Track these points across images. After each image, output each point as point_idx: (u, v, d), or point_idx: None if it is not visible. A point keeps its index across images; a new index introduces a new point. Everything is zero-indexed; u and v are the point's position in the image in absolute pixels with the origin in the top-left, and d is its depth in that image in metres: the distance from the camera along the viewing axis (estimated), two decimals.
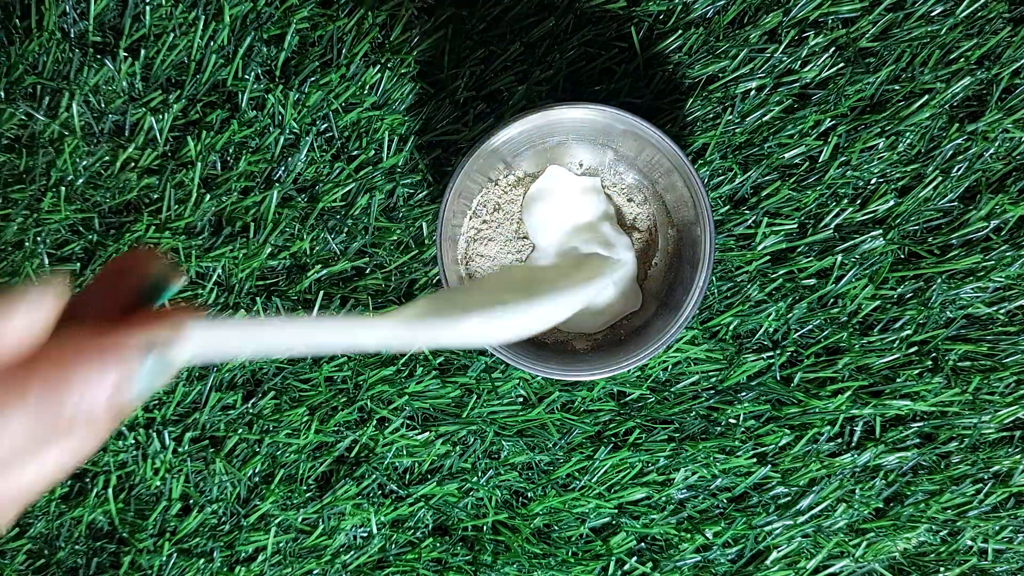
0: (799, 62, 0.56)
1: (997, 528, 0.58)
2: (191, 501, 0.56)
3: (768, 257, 0.56)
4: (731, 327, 0.56)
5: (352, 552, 0.56)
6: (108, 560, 0.56)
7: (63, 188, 0.54)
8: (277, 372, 0.56)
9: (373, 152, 0.56)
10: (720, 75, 0.56)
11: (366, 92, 0.56)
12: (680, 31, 0.56)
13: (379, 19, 0.55)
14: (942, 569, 0.58)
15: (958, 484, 0.58)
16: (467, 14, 0.56)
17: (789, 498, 0.57)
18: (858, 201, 0.57)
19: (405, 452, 0.56)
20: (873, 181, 0.57)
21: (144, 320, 0.26)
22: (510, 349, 0.50)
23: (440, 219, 0.49)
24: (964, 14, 0.56)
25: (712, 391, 0.57)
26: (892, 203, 0.57)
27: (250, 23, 0.55)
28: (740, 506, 0.57)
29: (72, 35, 0.55)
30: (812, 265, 0.56)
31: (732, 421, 0.57)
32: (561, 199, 0.54)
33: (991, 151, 0.57)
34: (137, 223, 0.55)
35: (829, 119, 0.56)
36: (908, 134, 0.57)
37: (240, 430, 0.56)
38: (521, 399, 0.56)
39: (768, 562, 0.57)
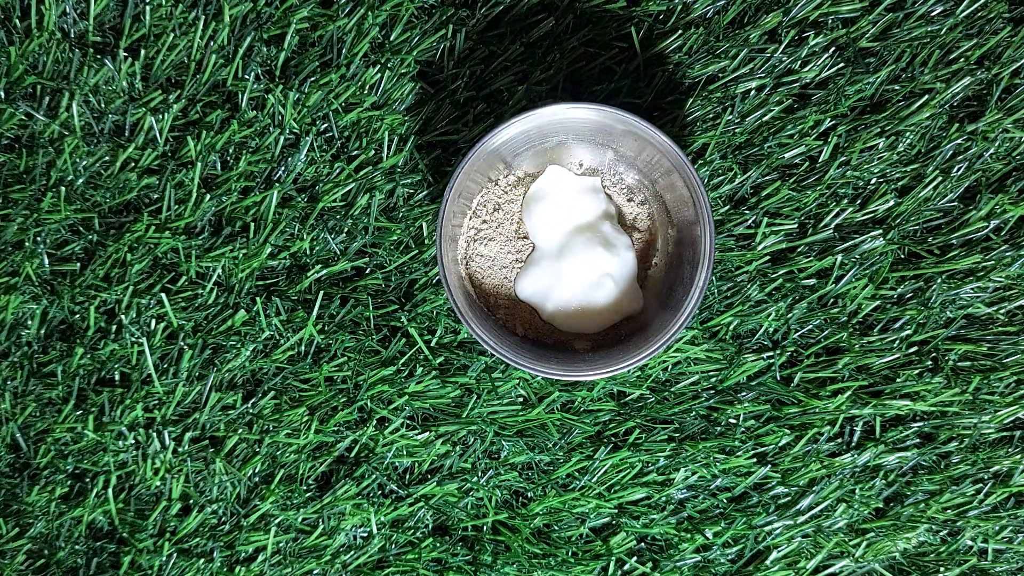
0: (799, 62, 0.56)
1: (997, 528, 0.58)
2: (191, 501, 0.56)
3: (768, 257, 0.56)
4: (731, 327, 0.56)
5: (352, 552, 0.56)
6: (108, 560, 0.56)
7: (63, 188, 0.54)
8: (277, 372, 0.56)
9: (373, 152, 0.56)
10: (720, 75, 0.56)
11: (366, 92, 0.56)
12: (680, 31, 0.56)
13: (379, 19, 0.55)
14: (942, 569, 0.58)
15: (958, 484, 0.58)
16: (467, 14, 0.56)
17: (789, 498, 0.57)
18: (858, 201, 0.57)
19: (405, 452, 0.56)
20: (873, 181, 0.57)
21: None
22: (510, 349, 0.51)
23: (440, 219, 0.49)
24: (964, 14, 0.56)
25: (712, 391, 0.57)
26: (892, 203, 0.57)
27: (250, 23, 0.55)
28: (740, 506, 0.57)
29: (72, 35, 0.55)
30: (812, 265, 0.56)
31: (732, 421, 0.57)
32: (561, 199, 0.54)
33: (991, 151, 0.57)
34: (137, 223, 0.55)
35: (829, 119, 0.56)
36: (908, 134, 0.57)
37: (240, 430, 0.56)
38: (521, 399, 0.56)
39: (768, 562, 0.57)
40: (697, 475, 0.57)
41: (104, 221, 0.56)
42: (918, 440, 0.57)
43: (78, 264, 0.55)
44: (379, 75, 0.56)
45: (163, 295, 0.55)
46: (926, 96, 0.56)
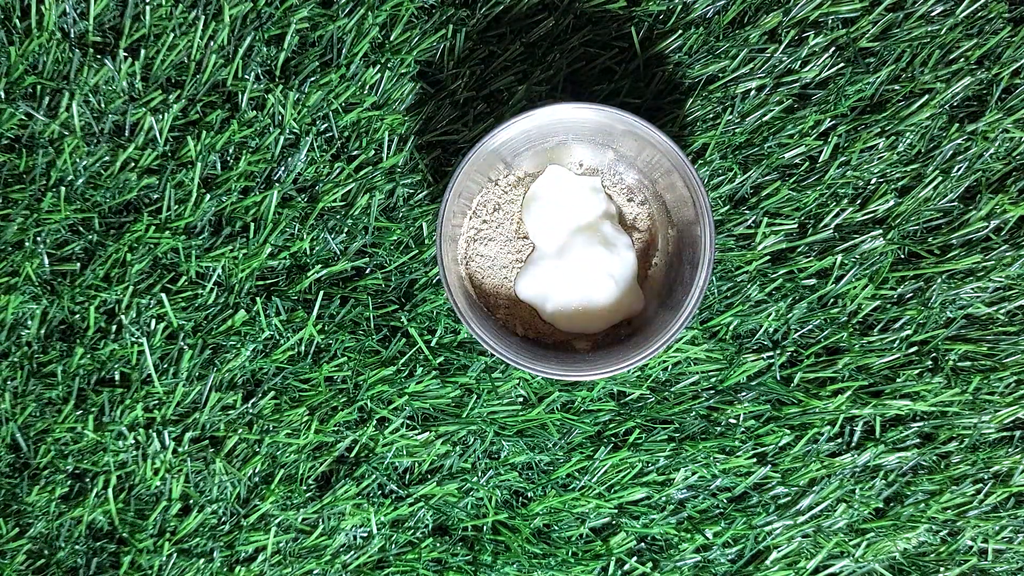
0: (799, 62, 0.56)
1: (997, 528, 0.58)
2: (191, 501, 0.56)
3: (768, 257, 0.56)
4: (731, 327, 0.56)
5: (352, 552, 0.56)
6: (108, 560, 0.56)
7: (63, 188, 0.54)
8: (277, 372, 0.56)
9: (373, 152, 0.56)
10: (720, 75, 0.57)
11: (366, 92, 0.56)
12: (680, 31, 0.56)
13: (379, 19, 0.55)
14: (942, 569, 0.58)
15: (958, 484, 0.58)
16: (467, 14, 0.56)
17: (789, 498, 0.57)
18: (858, 201, 0.57)
19: (405, 452, 0.56)
20: (873, 181, 0.57)
21: None
22: (510, 349, 0.51)
23: (440, 219, 0.49)
24: (964, 14, 0.56)
25: (712, 391, 0.57)
26: (892, 203, 0.57)
27: (250, 23, 0.55)
28: (740, 506, 0.57)
29: (72, 35, 0.55)
30: (812, 265, 0.56)
31: (732, 421, 0.57)
32: (561, 199, 0.54)
33: (991, 151, 0.57)
34: (137, 223, 0.55)
35: (829, 119, 0.56)
36: (908, 134, 0.57)
37: (240, 430, 0.56)
38: (521, 399, 0.56)
39: (768, 562, 0.57)
40: (697, 475, 0.57)
41: (104, 221, 0.56)
42: (918, 440, 0.57)
43: (78, 264, 0.55)
44: (379, 75, 0.56)
45: (163, 295, 0.55)
46: (926, 96, 0.56)
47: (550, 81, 0.56)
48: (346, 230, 0.56)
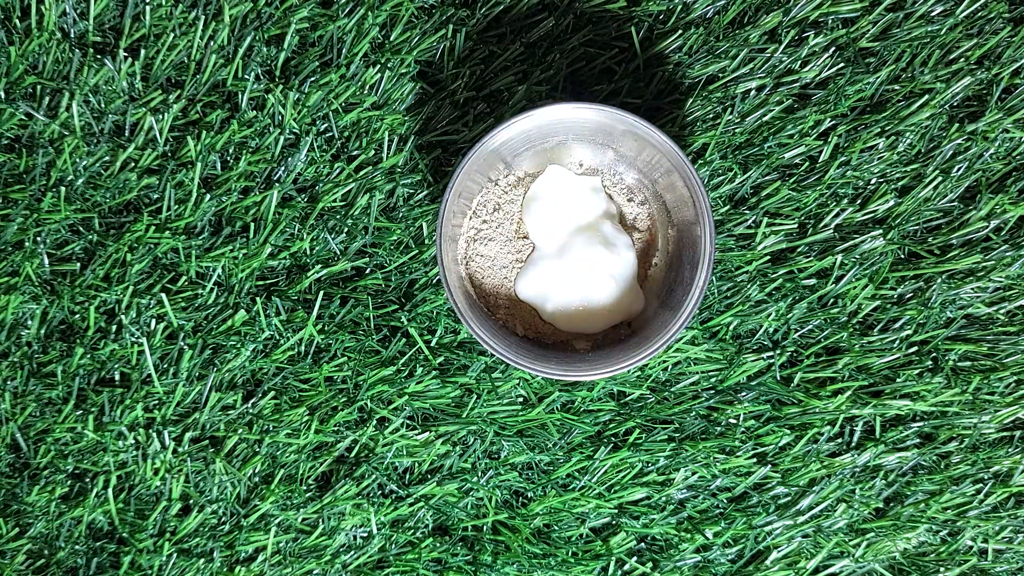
0: (799, 62, 0.56)
1: (997, 528, 0.58)
2: (191, 501, 0.56)
3: (768, 257, 0.56)
4: (731, 327, 0.56)
5: (352, 552, 0.56)
6: (108, 560, 0.56)
7: (63, 188, 0.54)
8: (277, 372, 0.56)
9: (373, 152, 0.56)
10: (720, 75, 0.57)
11: (366, 92, 0.56)
12: (680, 31, 0.56)
13: (379, 19, 0.55)
14: (942, 569, 0.58)
15: (958, 484, 0.58)
16: (467, 14, 0.56)
17: (789, 498, 0.57)
18: (858, 201, 0.57)
19: (405, 452, 0.56)
20: (873, 181, 0.57)
21: None
22: (510, 349, 0.50)
23: (440, 219, 0.49)
24: (964, 14, 0.56)
25: (712, 391, 0.57)
26: (892, 203, 0.57)
27: (250, 23, 0.55)
28: (740, 506, 0.57)
29: (72, 35, 0.55)
30: (812, 265, 0.56)
31: (732, 421, 0.57)
32: (561, 199, 0.54)
33: (991, 151, 0.57)
34: (137, 223, 0.55)
35: (829, 119, 0.56)
36: (908, 134, 0.57)
37: (240, 430, 0.56)
38: (521, 399, 0.56)
39: (768, 562, 0.57)
40: (697, 475, 0.57)
41: (104, 221, 0.56)
42: (918, 440, 0.57)
43: (78, 264, 0.55)
44: (379, 75, 0.56)
45: (163, 295, 0.55)
46: (926, 96, 0.56)
47: (550, 81, 0.56)
48: (346, 230, 0.56)
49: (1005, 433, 0.58)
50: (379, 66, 0.55)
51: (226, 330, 0.55)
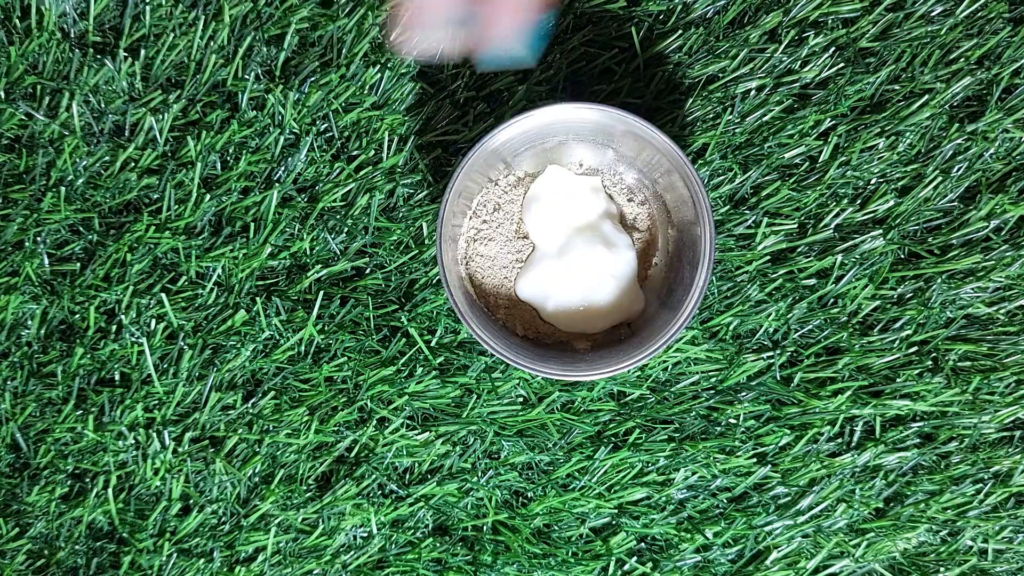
0: (799, 62, 0.56)
1: (997, 528, 0.58)
2: (191, 501, 0.56)
3: (768, 257, 0.56)
4: (731, 327, 0.56)
5: (352, 552, 0.56)
6: (108, 560, 0.56)
7: (63, 188, 0.54)
8: (277, 372, 0.56)
9: (373, 152, 0.56)
10: (720, 75, 0.57)
11: (366, 92, 0.56)
12: (680, 31, 0.56)
13: (379, 19, 0.55)
14: (942, 569, 0.58)
15: (958, 484, 0.58)
16: None
17: (789, 498, 0.57)
18: (858, 201, 0.57)
19: (405, 452, 0.56)
20: (873, 181, 0.57)
21: None
22: (510, 349, 0.51)
23: (440, 219, 0.49)
24: (964, 14, 0.56)
25: (712, 391, 0.57)
26: (892, 203, 0.57)
27: (250, 23, 0.55)
28: (740, 506, 0.57)
29: (72, 35, 0.55)
30: (812, 265, 0.56)
31: (732, 421, 0.57)
32: (561, 199, 0.54)
33: (991, 151, 0.57)
34: (137, 223, 0.55)
35: (829, 119, 0.56)
36: (908, 134, 0.57)
37: (240, 430, 0.56)
38: (521, 399, 0.56)
39: (768, 562, 0.57)
40: (697, 475, 0.57)
41: (104, 221, 0.56)
42: (918, 440, 0.57)
43: (78, 264, 0.55)
44: (379, 75, 0.56)
45: (163, 295, 0.55)
46: (926, 96, 0.56)
47: (550, 81, 0.56)
48: (346, 230, 0.56)
49: (1005, 433, 0.58)
50: (379, 66, 0.55)
51: (226, 330, 0.55)
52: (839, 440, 0.57)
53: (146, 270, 0.55)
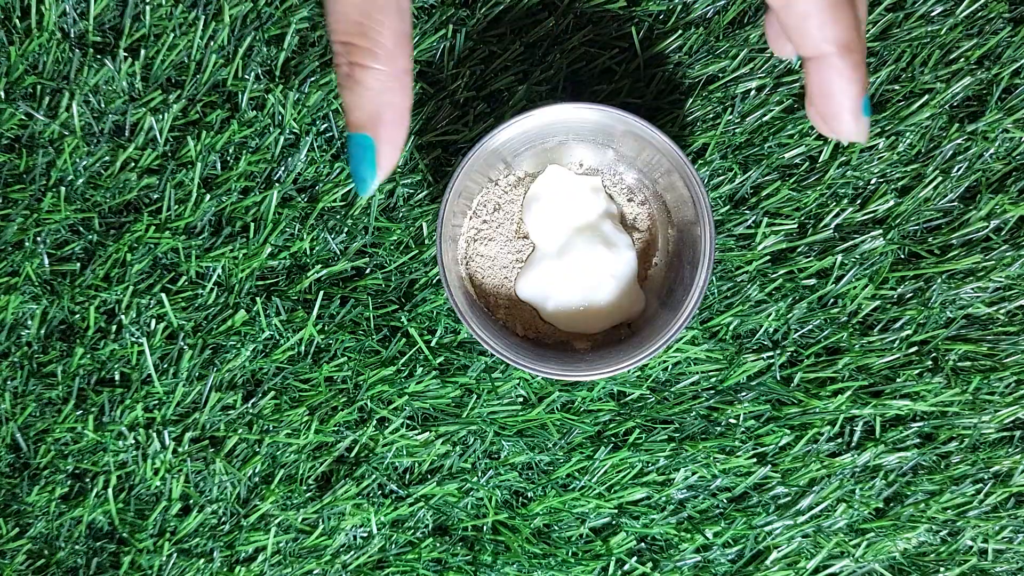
0: (799, 62, 0.56)
1: (997, 528, 0.58)
2: (191, 501, 0.56)
3: (768, 257, 0.56)
4: (731, 327, 0.56)
5: (352, 552, 0.56)
6: (108, 560, 0.56)
7: (63, 188, 0.54)
8: (277, 372, 0.56)
9: None
10: (720, 75, 0.57)
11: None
12: (680, 31, 0.56)
13: None
14: (942, 569, 0.58)
15: (958, 484, 0.58)
16: (467, 14, 0.56)
17: (789, 498, 0.57)
18: (858, 201, 0.57)
19: (405, 452, 0.56)
20: (873, 181, 0.57)
21: None
22: (510, 349, 0.51)
23: (440, 219, 0.49)
24: (964, 14, 0.56)
25: (712, 391, 0.57)
26: (892, 203, 0.57)
27: (250, 23, 0.55)
28: (740, 506, 0.57)
29: (72, 35, 0.55)
30: (812, 265, 0.56)
31: (732, 421, 0.57)
32: (561, 199, 0.54)
33: (991, 151, 0.57)
34: (137, 223, 0.55)
35: None
36: (908, 134, 0.57)
37: (240, 430, 0.56)
38: (521, 399, 0.56)
39: (768, 562, 0.57)
40: (697, 475, 0.57)
41: (104, 221, 0.56)
42: (918, 440, 0.57)
43: (78, 264, 0.55)
44: None
45: (163, 295, 0.55)
46: (926, 96, 0.56)
47: (550, 81, 0.56)
48: (346, 230, 0.56)
49: (1005, 433, 0.58)
50: None
51: (226, 330, 0.55)
52: (839, 440, 0.57)
53: (146, 270, 0.55)
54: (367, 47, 0.39)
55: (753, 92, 0.56)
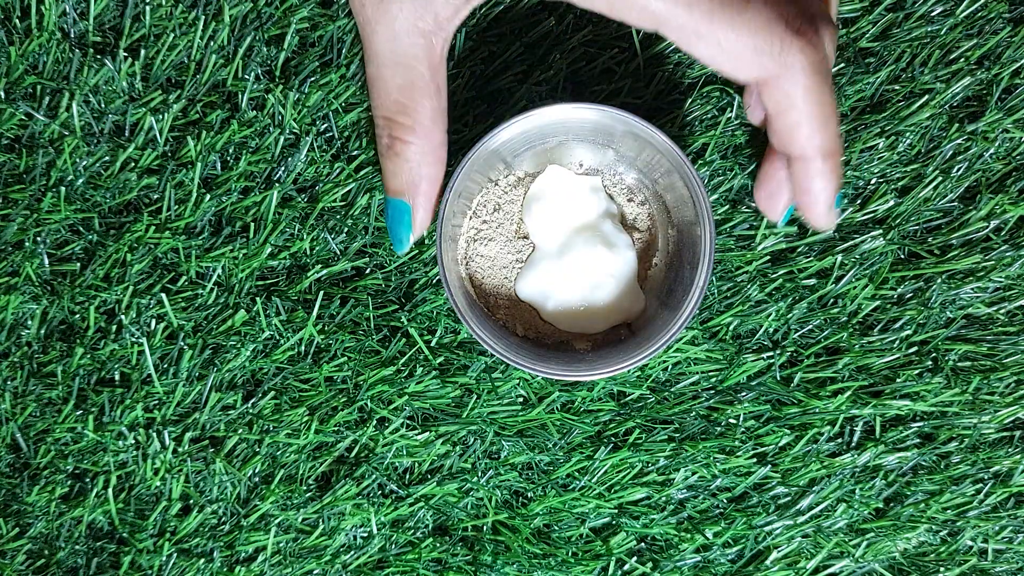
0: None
1: (997, 528, 0.58)
2: (191, 501, 0.56)
3: (768, 257, 0.56)
4: (731, 327, 0.57)
5: (352, 552, 0.56)
6: (108, 560, 0.56)
7: (63, 188, 0.54)
8: (277, 372, 0.56)
9: (373, 152, 0.56)
10: (720, 75, 0.56)
11: (366, 92, 0.56)
12: None
13: None
14: (942, 569, 0.58)
15: (958, 484, 0.58)
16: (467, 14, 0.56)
17: (789, 498, 0.57)
18: (858, 201, 0.57)
19: (405, 452, 0.56)
20: (873, 181, 0.57)
21: None
22: (510, 349, 0.51)
23: (440, 219, 0.49)
24: (964, 14, 0.56)
25: (712, 391, 0.57)
26: (892, 203, 0.57)
27: (250, 23, 0.55)
28: (740, 506, 0.57)
29: (72, 35, 0.55)
30: (812, 265, 0.56)
31: (732, 421, 0.57)
32: (561, 199, 0.54)
33: (991, 151, 0.57)
34: (137, 223, 0.55)
35: None
36: (908, 134, 0.57)
37: (240, 430, 0.56)
38: (521, 399, 0.56)
39: (768, 562, 0.57)
40: (697, 475, 0.57)
41: (104, 221, 0.56)
42: (918, 440, 0.57)
43: (78, 264, 0.55)
44: None
45: (163, 295, 0.55)
46: (926, 96, 0.56)
47: (550, 81, 0.56)
48: (346, 230, 0.56)
49: (1005, 433, 0.58)
50: None
51: (226, 330, 0.55)
52: (839, 440, 0.57)
53: (146, 270, 0.55)
54: (407, 124, 0.42)
55: None
